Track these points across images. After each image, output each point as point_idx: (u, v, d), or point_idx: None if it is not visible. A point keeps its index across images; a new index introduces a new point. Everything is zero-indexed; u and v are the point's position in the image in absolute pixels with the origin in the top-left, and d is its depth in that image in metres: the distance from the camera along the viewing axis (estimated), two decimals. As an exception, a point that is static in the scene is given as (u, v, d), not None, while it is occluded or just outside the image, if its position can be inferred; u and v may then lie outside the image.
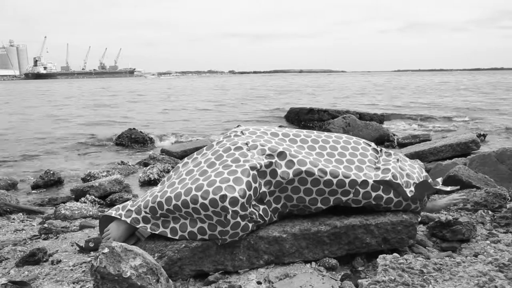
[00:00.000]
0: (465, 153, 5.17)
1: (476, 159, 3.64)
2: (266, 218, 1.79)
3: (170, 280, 1.55)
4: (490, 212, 2.34)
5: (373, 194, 1.81)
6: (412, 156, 5.04)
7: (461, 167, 3.10)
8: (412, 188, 1.86)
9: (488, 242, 1.99)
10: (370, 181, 1.80)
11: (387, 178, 1.81)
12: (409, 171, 1.92)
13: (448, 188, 2.04)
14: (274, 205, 1.82)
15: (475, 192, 2.61)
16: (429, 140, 6.77)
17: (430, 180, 1.97)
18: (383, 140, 7.08)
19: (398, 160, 1.98)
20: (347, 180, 1.77)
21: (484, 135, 7.46)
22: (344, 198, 1.81)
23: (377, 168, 1.90)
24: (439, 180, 1.95)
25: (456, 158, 4.44)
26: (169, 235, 1.75)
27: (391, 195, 1.83)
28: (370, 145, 2.05)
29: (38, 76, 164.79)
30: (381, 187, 1.81)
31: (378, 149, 2.05)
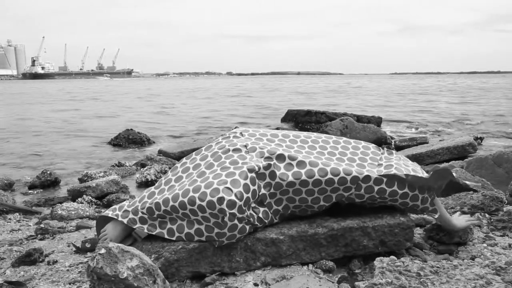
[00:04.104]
0: (462, 156, 5.17)
1: (473, 162, 3.65)
2: (266, 221, 1.79)
3: (166, 281, 1.55)
4: (487, 215, 2.34)
5: (376, 188, 1.79)
6: (409, 158, 5.04)
7: (458, 170, 3.11)
8: (424, 174, 1.83)
9: (485, 245, 1.99)
10: (373, 176, 1.78)
11: (392, 173, 1.80)
12: (413, 167, 1.91)
13: (468, 182, 2.01)
14: (275, 207, 1.82)
15: (472, 195, 2.61)
16: (427, 143, 6.78)
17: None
18: (381, 143, 7.09)
19: (400, 158, 1.97)
20: (348, 177, 1.76)
21: (481, 138, 7.48)
22: (346, 194, 1.80)
23: (380, 165, 1.89)
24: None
25: (453, 161, 4.45)
26: (166, 236, 1.75)
27: (395, 187, 1.80)
28: (371, 145, 2.05)
29: (35, 76, 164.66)
30: (384, 179, 1.79)
31: (380, 148, 2.04)
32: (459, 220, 2.01)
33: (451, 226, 1.97)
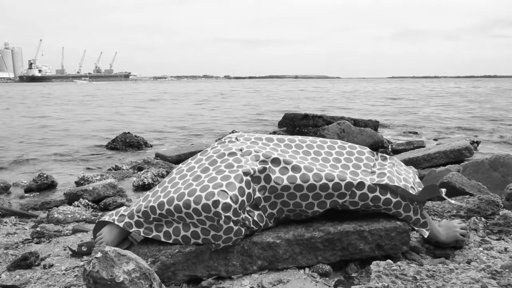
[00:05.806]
0: (459, 160, 5.19)
1: (469, 166, 3.66)
2: (261, 224, 1.79)
3: (163, 285, 1.55)
4: (483, 219, 2.35)
5: (370, 195, 1.79)
6: (406, 162, 5.06)
7: (455, 174, 3.12)
8: (412, 189, 1.85)
9: (481, 249, 1.99)
10: (367, 183, 1.79)
11: (383, 182, 1.81)
12: (405, 176, 1.92)
13: (453, 201, 2.02)
14: (269, 211, 1.82)
15: (468, 199, 2.62)
16: (423, 146, 6.79)
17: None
18: (378, 147, 7.10)
19: (393, 164, 1.98)
20: (343, 183, 1.77)
21: (478, 142, 7.50)
22: (340, 201, 1.80)
23: (373, 172, 1.90)
24: (443, 190, 1.95)
25: (450, 165, 4.46)
26: (162, 239, 1.75)
27: (389, 195, 1.81)
28: (365, 150, 2.05)
29: (32, 79, 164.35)
30: (378, 188, 1.80)
31: (374, 153, 2.05)
32: (448, 232, 2.00)
33: (439, 242, 1.99)
